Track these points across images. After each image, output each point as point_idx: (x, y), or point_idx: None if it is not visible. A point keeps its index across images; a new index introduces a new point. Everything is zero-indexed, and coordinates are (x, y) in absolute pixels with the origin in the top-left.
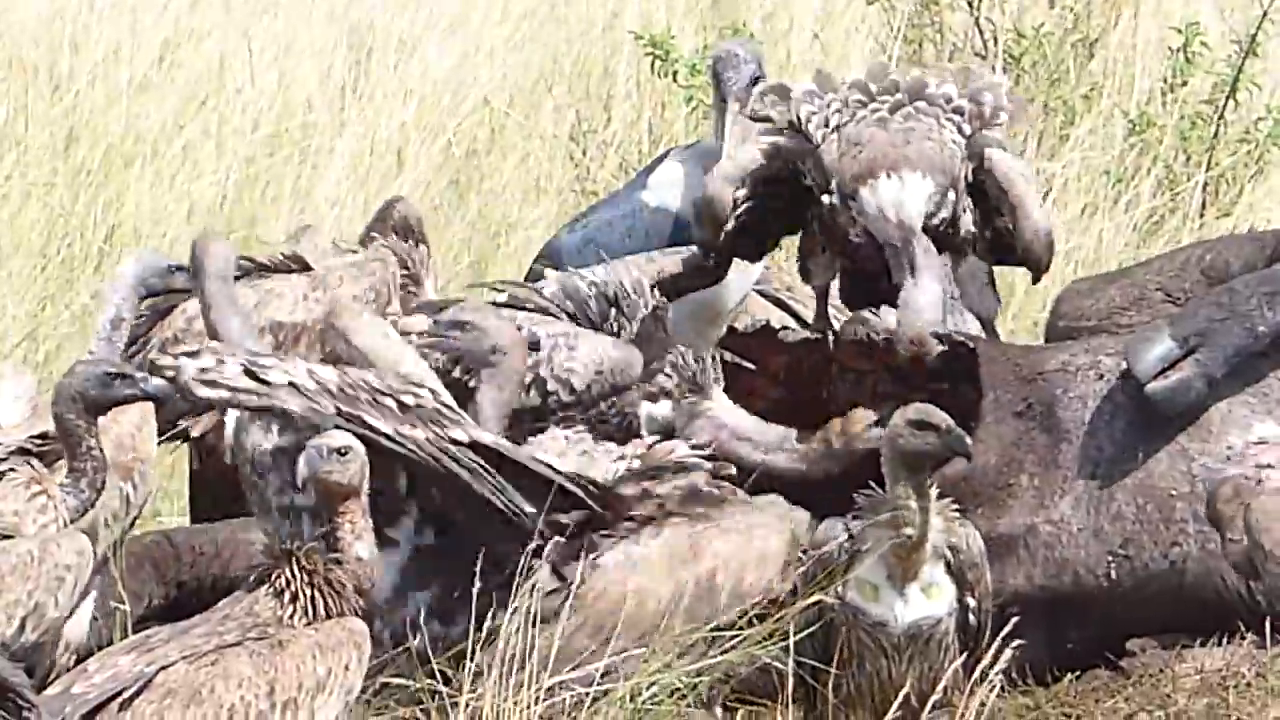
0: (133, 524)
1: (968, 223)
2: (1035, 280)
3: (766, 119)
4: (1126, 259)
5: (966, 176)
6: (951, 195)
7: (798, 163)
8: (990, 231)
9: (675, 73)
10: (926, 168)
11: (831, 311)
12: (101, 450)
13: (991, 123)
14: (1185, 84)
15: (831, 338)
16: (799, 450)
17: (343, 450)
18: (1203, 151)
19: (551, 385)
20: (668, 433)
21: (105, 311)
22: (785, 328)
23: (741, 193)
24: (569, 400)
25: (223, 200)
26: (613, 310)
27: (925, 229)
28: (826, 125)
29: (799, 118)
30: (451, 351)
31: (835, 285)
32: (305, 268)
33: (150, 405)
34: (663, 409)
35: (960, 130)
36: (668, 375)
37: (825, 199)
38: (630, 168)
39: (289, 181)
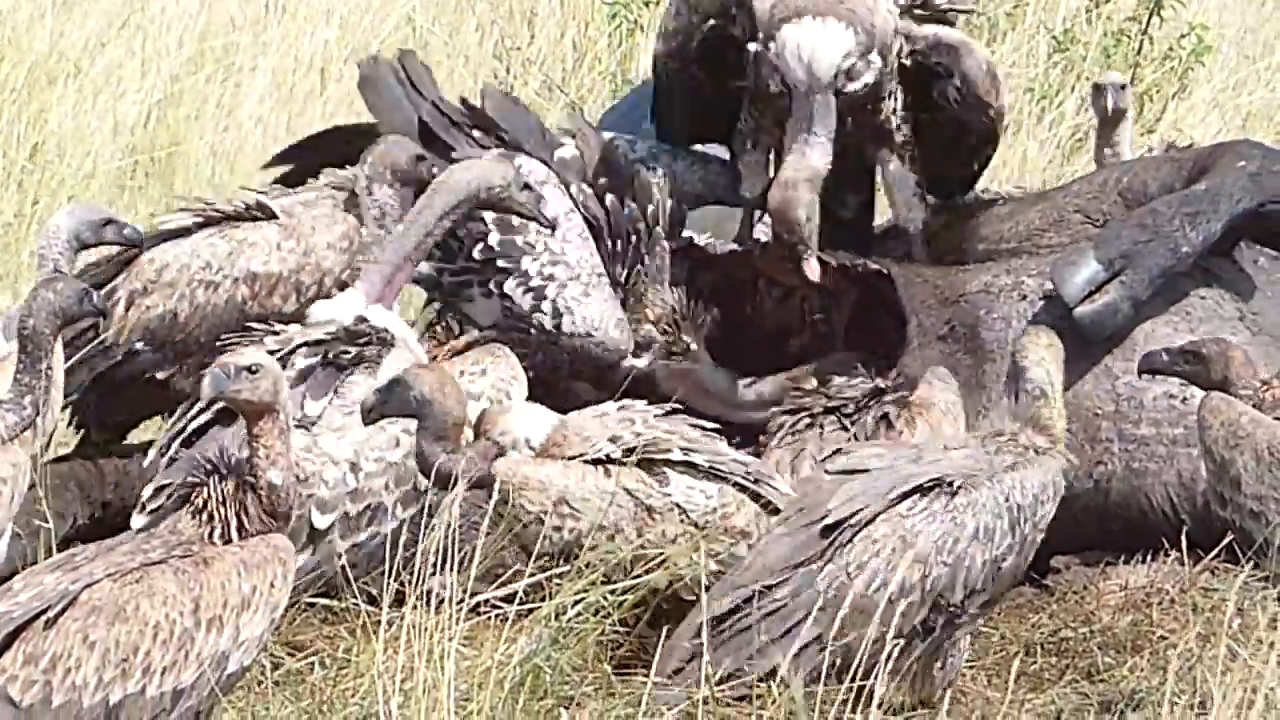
0: (45, 448)
1: (891, 107)
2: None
3: None
4: (1050, 176)
5: (900, 53)
6: (876, 60)
7: (729, 21)
8: (926, 122)
9: None
10: (852, 21)
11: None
12: (53, 370)
13: (929, 4)
14: (1110, 1)
15: (758, 251)
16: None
17: (253, 368)
18: (1126, 68)
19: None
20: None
21: (43, 267)
22: (710, 243)
23: (675, 64)
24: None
25: (146, 118)
26: (631, 238)
27: (842, 92)
28: None
29: None
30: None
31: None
32: (271, 215)
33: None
34: (642, 362)
35: (896, 1)
36: (653, 324)
37: (750, 47)
38: (553, 84)
39: (212, 100)
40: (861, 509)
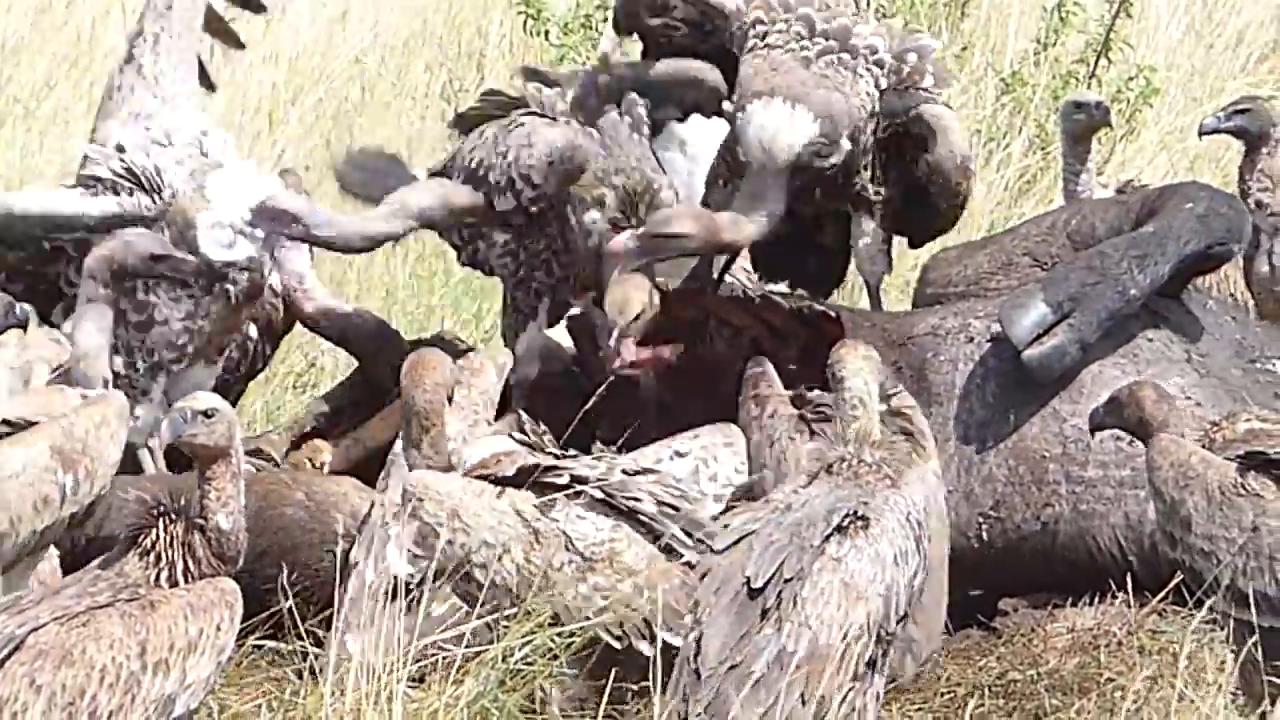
0: (72, 523)
1: (865, 179)
2: (946, 221)
3: None
4: (998, 219)
5: (877, 132)
6: (845, 144)
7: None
8: (901, 189)
9: (547, 31)
10: (821, 113)
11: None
12: None
13: (909, 81)
14: (1059, 43)
15: (710, 290)
16: None
17: (209, 413)
18: None
19: (519, 184)
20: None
21: None
22: (667, 287)
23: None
24: (535, 195)
25: None
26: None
27: (804, 166)
28: (761, 40)
29: (747, 21)
30: None
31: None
32: None
33: (124, 407)
34: (601, 224)
35: (876, 84)
36: (613, 187)
37: (726, 106)
38: None
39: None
40: (781, 561)
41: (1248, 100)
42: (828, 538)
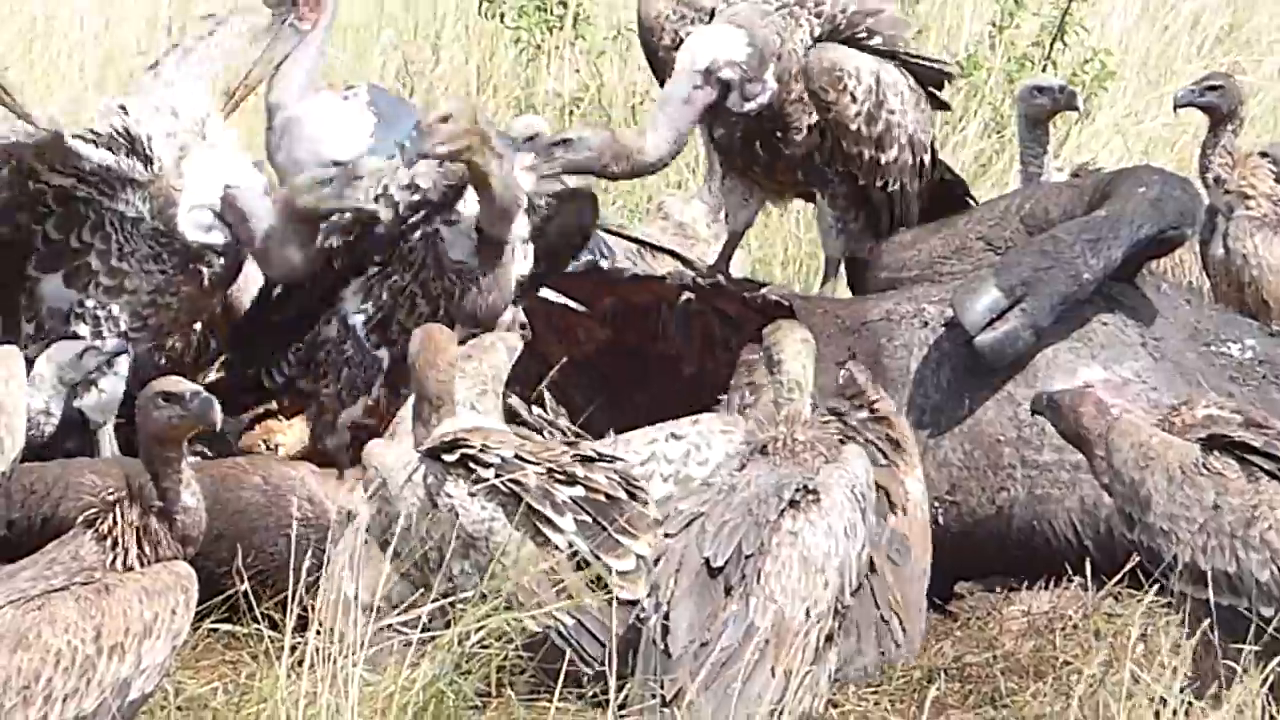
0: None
1: (812, 142)
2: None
3: None
4: None
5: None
6: (772, 84)
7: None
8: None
9: (502, 15)
10: (756, 43)
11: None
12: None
13: (844, 32)
14: (1014, 26)
15: (660, 277)
16: None
17: (195, 395)
18: None
19: (398, 196)
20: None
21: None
22: (614, 267)
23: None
24: (418, 200)
25: None
26: None
27: (742, 115)
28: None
29: None
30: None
31: None
32: None
33: (18, 356)
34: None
35: (811, 33)
36: None
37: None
38: None
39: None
40: (739, 539)
41: (1220, 76)
42: (782, 513)
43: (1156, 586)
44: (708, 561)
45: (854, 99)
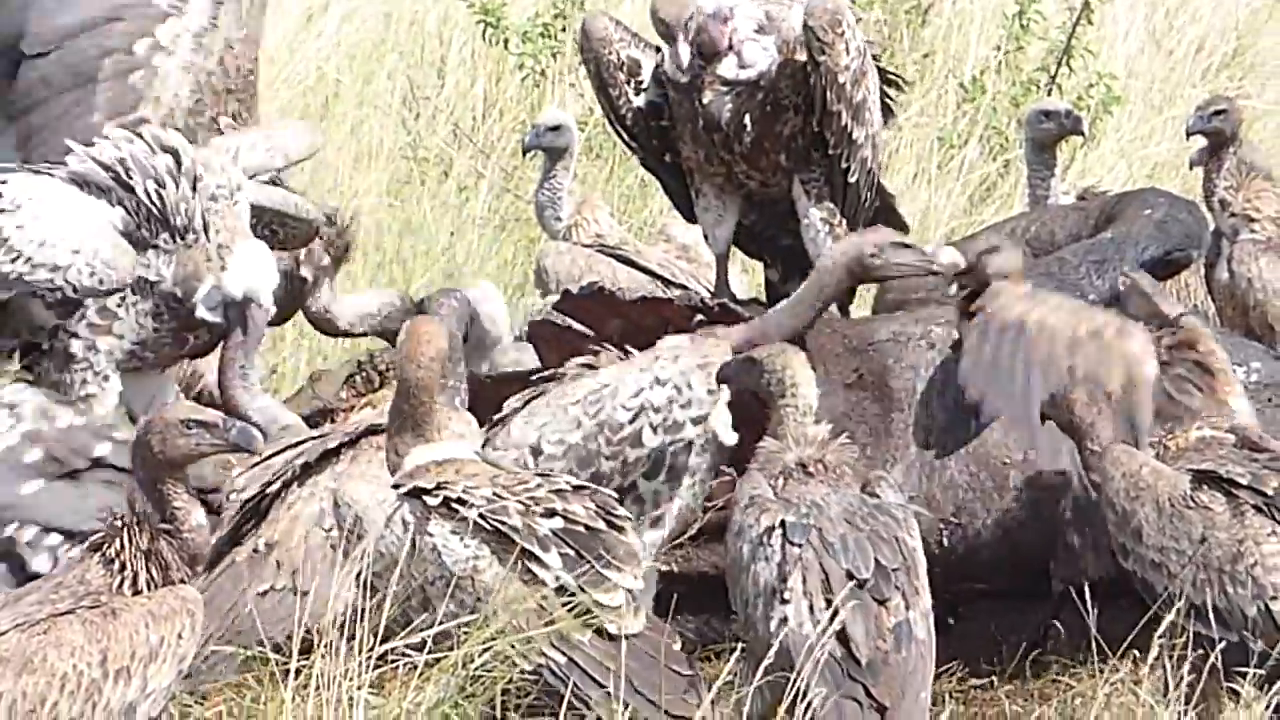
0: None
1: (797, 126)
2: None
3: None
4: (958, 225)
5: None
6: (772, 50)
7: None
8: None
9: (506, 40)
10: (767, 5)
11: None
12: None
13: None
14: (1020, 50)
15: (667, 299)
16: None
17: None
18: None
19: None
20: None
21: None
22: (620, 289)
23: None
24: None
25: None
26: None
27: (740, 83)
28: None
29: None
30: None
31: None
32: None
33: None
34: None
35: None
36: None
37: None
38: (463, 134)
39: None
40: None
41: (1223, 100)
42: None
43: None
44: (850, 574)
45: (847, 51)
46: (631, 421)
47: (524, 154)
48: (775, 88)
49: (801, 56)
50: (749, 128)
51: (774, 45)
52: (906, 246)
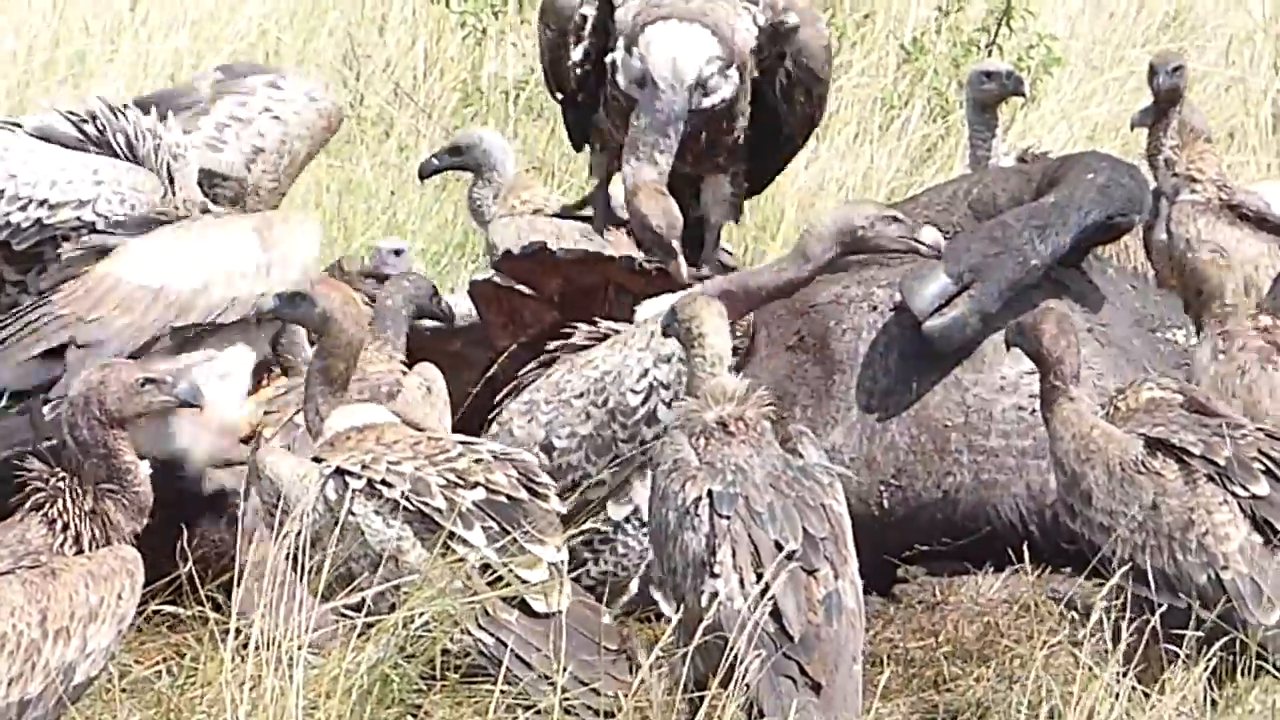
0: None
1: (742, 125)
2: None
3: None
4: (899, 186)
5: (752, 69)
6: (734, 75)
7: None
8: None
9: None
10: (716, 33)
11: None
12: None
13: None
14: (960, 10)
15: (608, 257)
16: None
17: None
18: None
19: None
20: None
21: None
22: (562, 249)
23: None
24: None
25: None
26: None
27: (699, 109)
28: None
29: None
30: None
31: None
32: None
33: None
34: None
35: (755, 20)
36: None
37: (610, 57)
38: (404, 92)
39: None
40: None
41: (1179, 57)
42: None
43: (1100, 575)
44: (777, 544)
45: (825, 40)
46: (644, 403)
47: (420, 179)
48: (732, 106)
49: (753, 68)
50: (702, 142)
51: (734, 70)
52: (896, 220)
